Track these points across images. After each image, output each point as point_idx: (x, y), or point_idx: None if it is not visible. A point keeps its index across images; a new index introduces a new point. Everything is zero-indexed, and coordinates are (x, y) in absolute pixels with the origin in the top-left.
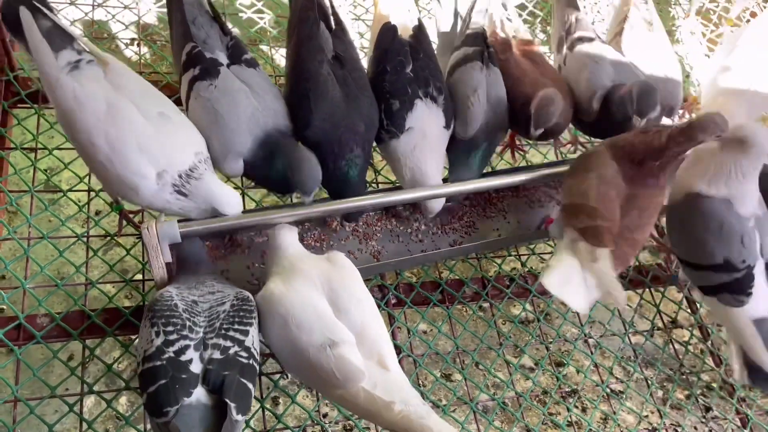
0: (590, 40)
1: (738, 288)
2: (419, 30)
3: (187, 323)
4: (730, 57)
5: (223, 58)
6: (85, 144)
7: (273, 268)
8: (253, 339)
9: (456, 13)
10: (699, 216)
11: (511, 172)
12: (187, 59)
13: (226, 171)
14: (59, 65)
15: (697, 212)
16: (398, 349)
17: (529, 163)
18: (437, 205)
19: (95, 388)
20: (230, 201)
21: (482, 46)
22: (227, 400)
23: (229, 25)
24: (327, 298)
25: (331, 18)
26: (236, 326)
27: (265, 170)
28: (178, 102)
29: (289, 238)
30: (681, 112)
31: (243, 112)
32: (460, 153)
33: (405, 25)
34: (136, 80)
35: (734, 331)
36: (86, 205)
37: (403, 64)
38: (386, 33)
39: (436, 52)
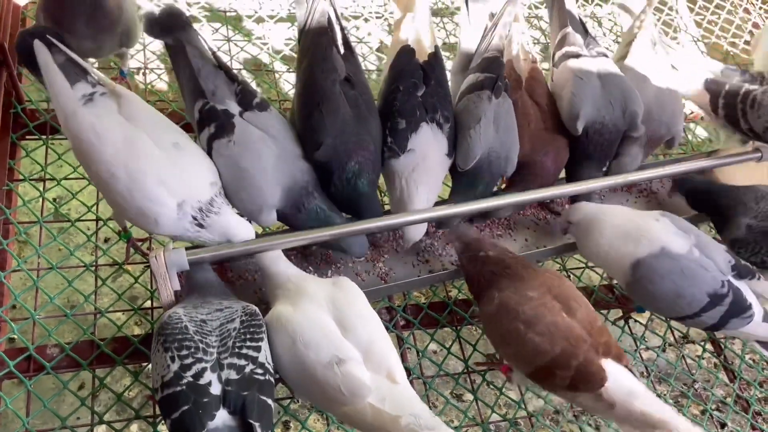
0: (576, 55)
1: (739, 308)
2: (435, 57)
3: (200, 345)
4: None
5: (234, 107)
6: (105, 175)
7: (277, 291)
8: (266, 354)
9: (485, 32)
10: (656, 277)
11: (499, 194)
12: (200, 117)
13: (261, 223)
14: (75, 97)
15: (652, 275)
16: (408, 371)
17: None
18: (415, 233)
19: (106, 417)
20: (246, 235)
21: (495, 73)
22: (251, 421)
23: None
24: (333, 318)
25: (341, 42)
26: (248, 343)
27: (301, 225)
28: (185, 128)
29: (283, 263)
30: None
31: (267, 162)
32: (461, 182)
33: (422, 50)
34: (148, 111)
35: (757, 338)
36: (94, 234)
37: (416, 86)
38: (404, 54)
39: (451, 69)
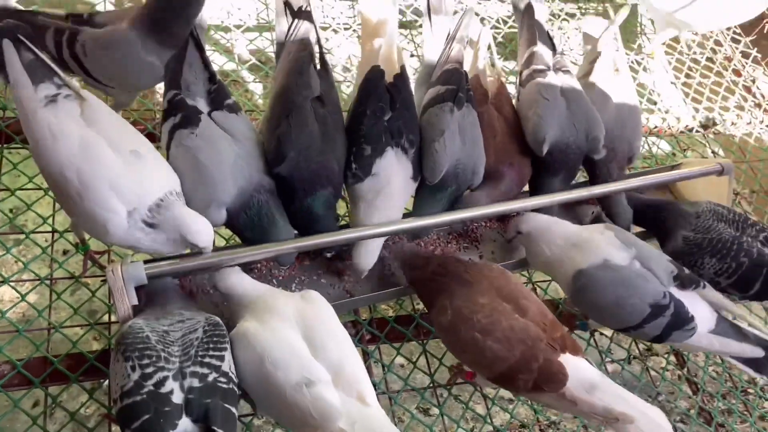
0: (543, 75)
1: (681, 320)
2: (401, 78)
3: (162, 354)
4: None
5: (203, 106)
6: (57, 177)
7: (241, 307)
8: (229, 363)
9: (445, 44)
10: (598, 287)
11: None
12: (168, 107)
13: (208, 221)
14: (37, 98)
15: (594, 287)
16: (373, 386)
17: None
18: (366, 262)
19: None
20: (200, 229)
21: (456, 85)
22: (215, 428)
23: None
24: (303, 335)
25: (318, 59)
26: (211, 352)
27: (247, 231)
28: (148, 137)
29: (247, 279)
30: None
31: (225, 160)
32: (426, 195)
33: (391, 70)
34: (111, 117)
35: (707, 351)
36: (50, 247)
37: (383, 111)
38: (373, 76)
39: (415, 81)
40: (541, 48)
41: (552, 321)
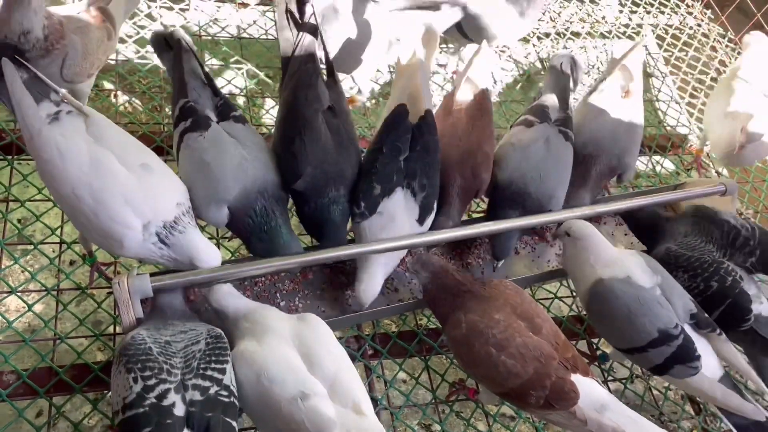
0: (530, 125)
1: (686, 355)
2: (425, 120)
3: (165, 366)
4: (732, 100)
5: (213, 117)
6: (69, 196)
7: (238, 328)
8: (230, 377)
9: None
10: (613, 298)
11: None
12: (180, 113)
13: (209, 219)
14: (41, 116)
15: (609, 296)
16: (375, 402)
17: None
18: (366, 297)
19: None
20: (209, 257)
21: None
22: None
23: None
24: (299, 352)
25: (326, 69)
26: (213, 365)
27: (253, 237)
28: (157, 150)
29: (239, 298)
30: (690, 162)
31: (230, 161)
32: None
33: (417, 111)
34: (116, 132)
35: (706, 396)
36: (58, 257)
37: (400, 151)
38: (397, 114)
39: None
40: (548, 99)
41: (564, 341)
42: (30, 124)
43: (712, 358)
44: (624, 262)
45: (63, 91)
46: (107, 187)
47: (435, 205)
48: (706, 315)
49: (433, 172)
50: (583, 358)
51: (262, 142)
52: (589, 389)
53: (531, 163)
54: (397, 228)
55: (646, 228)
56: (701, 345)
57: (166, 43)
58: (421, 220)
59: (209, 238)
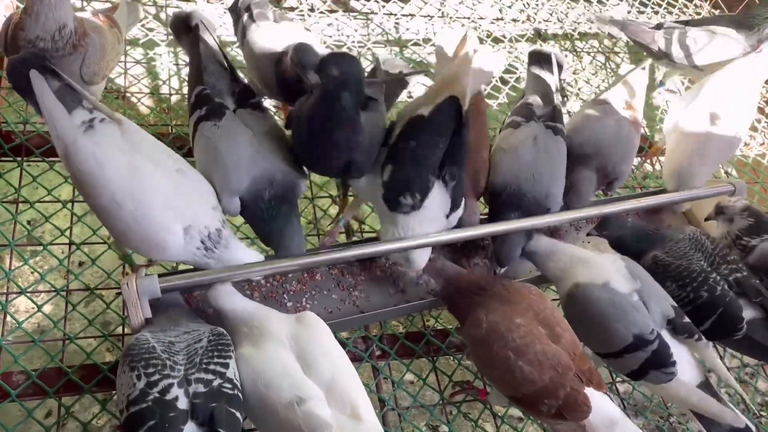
0: (516, 126)
1: (661, 360)
2: (468, 114)
3: (168, 362)
4: (693, 104)
5: (230, 103)
6: (109, 204)
7: (237, 330)
8: (234, 371)
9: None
10: (588, 303)
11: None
12: (195, 101)
13: (223, 209)
14: (75, 125)
15: (585, 301)
16: (383, 403)
17: None
18: (419, 261)
19: None
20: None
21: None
22: (220, 431)
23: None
24: (295, 355)
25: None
26: (216, 359)
27: (262, 224)
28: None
29: (238, 300)
30: (643, 160)
31: (243, 151)
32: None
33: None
34: (149, 138)
35: (683, 402)
36: (66, 259)
37: (445, 144)
38: (449, 104)
39: None
40: (532, 98)
41: (582, 353)
42: (63, 134)
43: (689, 364)
44: (602, 266)
45: (93, 98)
46: (147, 193)
47: (462, 201)
48: (686, 321)
49: (462, 163)
50: (598, 372)
51: (279, 131)
52: (601, 404)
53: (522, 164)
54: (432, 223)
55: (627, 240)
56: (679, 351)
57: (185, 25)
58: (448, 214)
59: (244, 238)
